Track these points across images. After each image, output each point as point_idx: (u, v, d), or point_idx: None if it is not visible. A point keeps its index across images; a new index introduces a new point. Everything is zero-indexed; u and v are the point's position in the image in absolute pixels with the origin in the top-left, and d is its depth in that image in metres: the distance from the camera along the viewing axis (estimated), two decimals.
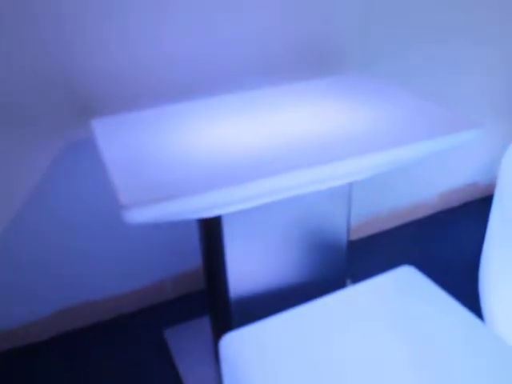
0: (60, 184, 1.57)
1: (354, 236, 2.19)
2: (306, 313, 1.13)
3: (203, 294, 1.94)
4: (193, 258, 1.90)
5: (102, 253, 1.72)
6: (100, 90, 1.50)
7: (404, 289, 1.17)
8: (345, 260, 1.54)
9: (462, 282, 1.95)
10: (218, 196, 1.05)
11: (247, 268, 1.35)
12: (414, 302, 1.13)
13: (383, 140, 1.20)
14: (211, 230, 1.37)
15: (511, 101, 2.28)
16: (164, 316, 1.85)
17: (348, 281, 1.92)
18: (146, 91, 1.56)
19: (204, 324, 1.79)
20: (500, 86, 2.21)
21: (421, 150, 1.23)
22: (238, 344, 1.06)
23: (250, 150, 1.19)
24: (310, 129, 1.28)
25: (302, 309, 1.14)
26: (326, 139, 1.22)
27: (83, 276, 1.74)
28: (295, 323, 1.10)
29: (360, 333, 1.06)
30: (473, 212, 2.36)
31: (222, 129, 1.31)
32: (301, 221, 1.38)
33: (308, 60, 1.74)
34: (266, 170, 1.09)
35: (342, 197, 1.42)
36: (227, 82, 1.66)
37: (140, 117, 1.40)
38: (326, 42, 1.75)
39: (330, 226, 1.43)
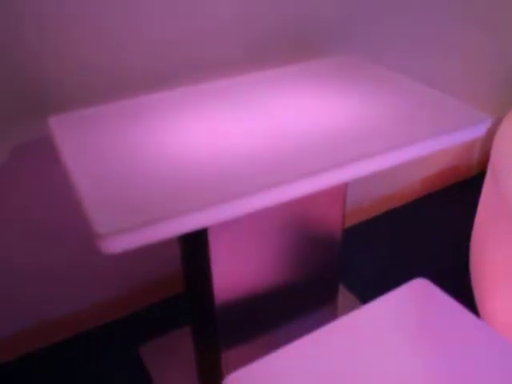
0: (12, 191, 1.37)
1: None
2: (319, 340, 1.00)
3: (175, 301, 1.78)
4: (162, 263, 1.72)
5: (58, 263, 1.53)
6: (59, 82, 1.29)
7: (420, 304, 1.06)
8: (338, 264, 1.41)
9: (449, 265, 1.87)
10: (211, 214, 0.88)
11: (234, 273, 1.20)
12: (432, 318, 1.04)
13: (388, 138, 1.06)
14: (194, 238, 1.20)
15: (490, 83, 2.19)
16: (136, 330, 1.67)
17: (340, 285, 1.80)
18: (114, 82, 1.36)
19: (182, 336, 1.63)
20: (481, 67, 2.10)
21: (427, 148, 1.09)
22: None
23: (240, 150, 1.02)
24: (304, 124, 1.12)
25: (314, 335, 1.01)
26: (325, 137, 1.06)
27: (39, 293, 1.54)
28: (309, 352, 0.97)
29: (380, 355, 0.97)
30: (455, 195, 2.28)
31: (203, 123, 1.13)
32: (293, 222, 1.23)
33: (288, 42, 1.57)
34: (263, 181, 0.93)
35: (337, 196, 1.28)
36: (205, 69, 1.47)
37: (107, 111, 1.20)
38: (306, 21, 1.58)
39: (323, 228, 1.29)
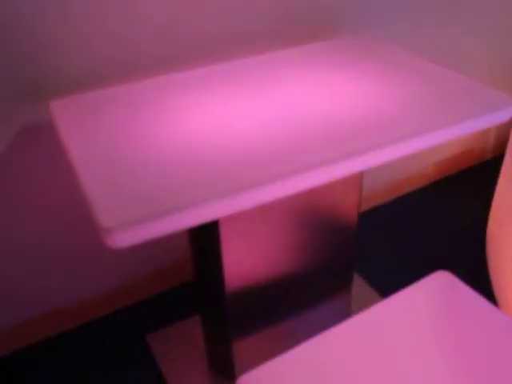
0: (17, 177, 1.31)
1: None
2: (338, 336, 0.94)
3: (184, 290, 1.73)
4: (172, 250, 1.68)
5: (62, 253, 1.48)
6: (61, 63, 1.22)
7: (443, 298, 1.01)
8: (353, 252, 1.35)
9: (466, 251, 1.81)
10: (223, 206, 0.83)
11: (245, 261, 1.16)
12: (456, 313, 0.99)
13: (408, 125, 1.00)
14: (204, 229, 1.15)
15: (505, 64, 2.10)
16: (144, 318, 1.63)
17: (357, 275, 1.74)
18: (120, 64, 1.29)
19: (191, 326, 1.59)
20: (502, 48, 2.02)
21: (449, 134, 1.03)
22: None
23: (253, 137, 0.96)
24: (318, 107, 1.05)
25: (332, 331, 0.96)
26: (342, 123, 1.00)
27: (44, 282, 1.50)
28: (326, 350, 0.92)
29: (403, 351, 0.93)
30: (470, 179, 2.21)
31: (214, 107, 1.07)
32: (307, 209, 1.17)
33: (299, 22, 1.50)
34: (277, 170, 0.87)
35: (353, 182, 1.22)
36: (214, 51, 1.40)
37: (113, 94, 1.15)
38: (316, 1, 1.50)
39: (338, 216, 1.23)
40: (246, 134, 0.98)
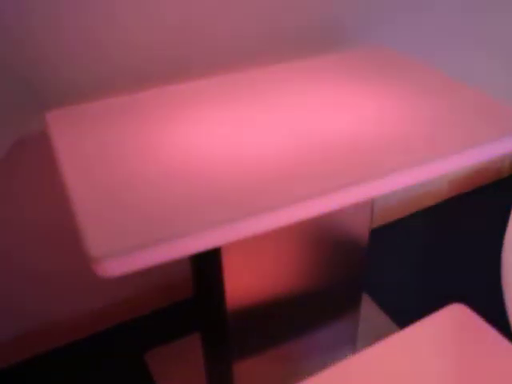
0: (10, 189, 1.26)
1: None
2: (350, 368, 0.91)
3: (184, 306, 1.68)
4: (172, 266, 1.62)
5: (57, 266, 1.43)
6: (58, 75, 1.17)
7: (457, 333, 0.96)
8: (363, 271, 1.29)
9: (480, 273, 1.74)
10: (226, 233, 0.77)
11: (248, 281, 1.10)
12: (470, 349, 0.95)
13: (427, 148, 0.93)
14: (205, 254, 1.09)
15: None
16: (143, 335, 1.57)
17: (364, 295, 1.68)
18: (120, 73, 1.24)
19: (191, 343, 1.53)
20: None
21: (469, 160, 0.96)
22: None
23: (259, 157, 0.90)
24: (332, 127, 0.99)
25: (344, 363, 0.92)
26: (355, 144, 0.94)
27: (41, 296, 1.45)
28: (343, 381, 0.86)
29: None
30: (485, 197, 2.14)
31: (218, 122, 1.01)
32: (315, 228, 1.12)
33: (310, 32, 1.44)
34: (284, 196, 0.81)
35: (365, 202, 1.16)
36: (219, 62, 1.35)
37: (112, 106, 1.09)
38: (326, 9, 1.44)
39: (348, 234, 1.17)
40: (253, 154, 0.92)
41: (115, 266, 0.71)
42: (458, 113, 1.04)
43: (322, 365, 1.40)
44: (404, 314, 1.61)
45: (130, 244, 0.71)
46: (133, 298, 1.59)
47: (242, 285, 1.09)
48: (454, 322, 0.99)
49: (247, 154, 0.91)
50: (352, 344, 1.42)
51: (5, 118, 1.17)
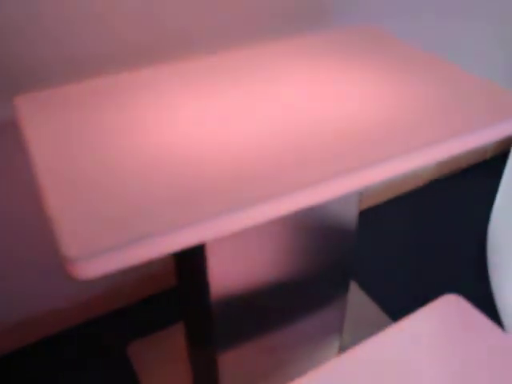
0: None
1: None
2: (345, 363, 0.88)
3: (168, 295, 1.63)
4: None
5: (41, 255, 1.37)
6: (29, 54, 1.09)
7: (452, 325, 0.94)
8: (352, 258, 1.25)
9: (468, 255, 1.72)
10: (207, 229, 0.72)
11: (233, 268, 1.05)
12: (466, 340, 0.92)
13: (425, 133, 0.89)
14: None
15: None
16: (124, 326, 1.52)
17: (352, 282, 1.64)
18: (92, 54, 1.16)
19: (175, 334, 1.48)
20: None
21: (464, 145, 0.92)
22: None
23: (247, 144, 0.85)
24: (319, 108, 0.94)
25: (341, 359, 0.89)
26: (351, 130, 0.89)
27: (21, 288, 1.38)
28: (335, 378, 0.83)
29: (411, 379, 0.86)
30: (471, 178, 2.12)
31: (204, 106, 0.95)
32: (301, 214, 1.06)
33: (296, 8, 1.37)
34: (273, 187, 0.76)
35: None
36: (202, 42, 1.28)
37: (88, 89, 1.02)
38: None
39: (336, 219, 1.13)
40: (239, 142, 0.86)
41: (91, 268, 0.65)
42: (455, 97, 1.00)
43: (309, 354, 1.37)
44: (392, 301, 1.59)
45: (106, 243, 0.66)
46: (113, 289, 1.53)
47: (227, 273, 1.04)
48: (449, 313, 0.96)
49: (234, 140, 0.86)
50: (339, 333, 1.39)
51: None
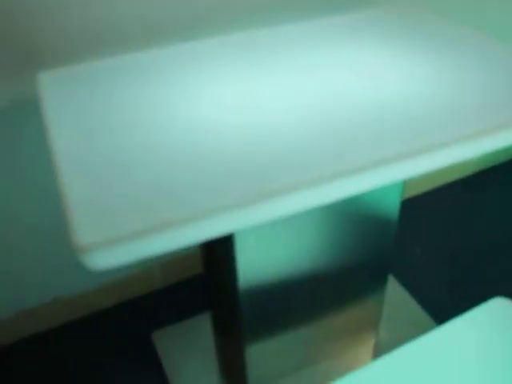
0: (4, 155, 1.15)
1: None
2: (389, 366, 0.82)
3: (196, 282, 1.57)
4: None
5: (65, 240, 1.33)
6: (52, 31, 1.04)
7: (502, 330, 0.85)
8: (391, 250, 1.17)
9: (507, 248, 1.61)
10: (237, 219, 0.65)
11: (264, 264, 1.00)
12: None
13: (472, 120, 0.79)
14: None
15: None
16: (150, 313, 1.48)
17: (390, 276, 1.55)
18: (114, 33, 1.10)
19: (200, 323, 1.43)
20: None
21: None
22: None
23: (279, 127, 0.77)
24: (361, 93, 0.86)
25: (382, 361, 0.84)
26: (395, 112, 0.81)
27: (45, 269, 1.35)
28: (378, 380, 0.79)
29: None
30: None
31: (232, 85, 0.88)
32: (339, 204, 0.99)
33: None
34: (311, 174, 0.68)
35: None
36: (224, 20, 1.20)
37: (114, 66, 0.96)
38: None
39: (376, 210, 1.04)
40: (272, 124, 0.78)
41: (106, 258, 0.59)
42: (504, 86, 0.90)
43: (343, 350, 1.30)
44: (433, 298, 1.49)
45: (124, 232, 0.59)
46: (139, 274, 1.49)
47: (256, 262, 0.98)
48: (498, 318, 0.87)
49: (263, 123, 0.78)
50: (375, 329, 1.31)
51: None
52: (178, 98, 0.85)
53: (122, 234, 0.59)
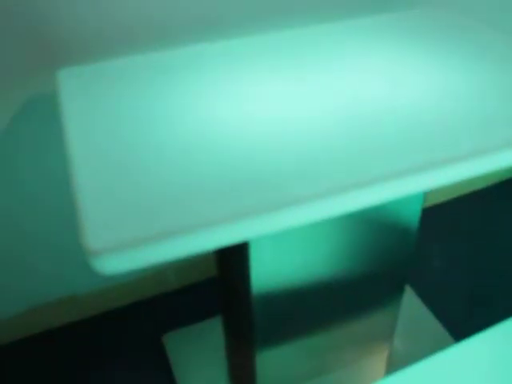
0: (24, 150, 1.14)
1: None
2: (405, 380, 0.79)
3: (206, 287, 1.56)
4: None
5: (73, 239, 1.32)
6: (76, 26, 1.03)
7: None
8: (409, 260, 1.15)
9: None
10: (247, 228, 0.63)
11: (278, 270, 0.97)
12: None
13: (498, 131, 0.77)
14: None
15: None
16: (161, 314, 1.46)
17: (407, 286, 1.52)
18: (136, 31, 1.09)
19: (212, 327, 1.41)
20: None
21: None
22: None
23: (296, 135, 0.75)
24: (387, 99, 0.83)
25: (398, 375, 0.81)
26: (418, 120, 0.78)
27: (60, 267, 1.34)
28: None
29: None
30: None
31: (248, 88, 0.86)
32: (357, 211, 0.96)
33: None
34: (329, 182, 0.66)
35: None
36: (255, 19, 1.18)
37: (127, 65, 0.95)
38: None
39: (394, 215, 1.02)
40: (290, 130, 0.76)
41: (117, 263, 0.58)
42: None
43: (356, 360, 1.27)
44: (450, 311, 1.46)
45: (135, 238, 0.58)
46: (152, 276, 1.48)
47: (270, 268, 0.96)
48: None
49: (282, 131, 0.76)
50: (389, 340, 1.28)
51: (11, 74, 1.04)
52: (195, 100, 0.84)
53: (133, 240, 0.58)
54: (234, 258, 0.99)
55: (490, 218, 1.78)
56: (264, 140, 0.74)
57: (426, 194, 1.22)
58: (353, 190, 0.65)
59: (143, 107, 0.82)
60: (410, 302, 1.47)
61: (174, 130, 0.76)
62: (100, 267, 0.58)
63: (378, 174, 0.67)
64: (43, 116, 1.11)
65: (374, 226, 1.01)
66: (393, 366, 1.30)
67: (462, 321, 1.43)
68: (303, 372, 1.22)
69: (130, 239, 0.57)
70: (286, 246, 0.92)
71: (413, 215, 1.04)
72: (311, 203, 0.63)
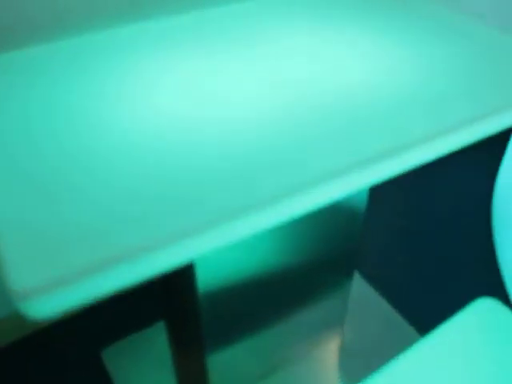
0: None
1: None
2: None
3: (148, 292, 1.46)
4: None
5: None
6: None
7: (491, 333, 0.80)
8: (357, 244, 1.13)
9: (471, 236, 1.59)
10: (190, 249, 0.55)
11: (223, 256, 0.90)
12: (507, 350, 0.76)
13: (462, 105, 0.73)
14: None
15: None
16: (98, 328, 1.35)
17: (356, 272, 1.49)
18: (51, 16, 0.96)
19: (154, 336, 1.33)
20: None
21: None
22: None
23: (237, 130, 0.68)
24: (335, 82, 0.77)
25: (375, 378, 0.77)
26: (370, 105, 0.72)
27: None
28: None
29: None
30: (474, 153, 1.98)
31: (186, 75, 0.77)
32: None
33: None
34: (273, 189, 0.59)
35: None
36: None
37: (45, 53, 0.83)
38: None
39: (342, 205, 0.97)
40: (228, 124, 0.68)
41: (47, 304, 0.48)
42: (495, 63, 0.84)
43: (308, 353, 1.24)
44: (397, 292, 1.45)
45: (67, 271, 0.48)
46: None
47: (216, 263, 0.89)
48: (485, 320, 0.83)
49: (219, 124, 0.68)
50: (340, 327, 1.25)
51: None
52: (131, 87, 0.73)
53: (64, 276, 0.48)
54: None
55: (422, 199, 1.79)
56: (181, 142, 0.65)
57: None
58: (289, 197, 0.58)
59: (66, 103, 0.70)
60: (359, 287, 1.45)
61: (102, 131, 0.66)
62: (29, 312, 0.47)
63: (319, 175, 0.60)
64: None
65: (319, 213, 0.96)
66: (345, 354, 1.27)
67: (412, 302, 1.42)
68: (257, 371, 1.18)
69: (60, 276, 0.48)
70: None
71: (359, 201, 1.00)
72: (244, 218, 0.55)
